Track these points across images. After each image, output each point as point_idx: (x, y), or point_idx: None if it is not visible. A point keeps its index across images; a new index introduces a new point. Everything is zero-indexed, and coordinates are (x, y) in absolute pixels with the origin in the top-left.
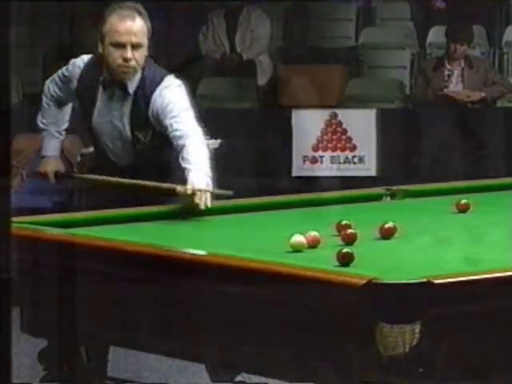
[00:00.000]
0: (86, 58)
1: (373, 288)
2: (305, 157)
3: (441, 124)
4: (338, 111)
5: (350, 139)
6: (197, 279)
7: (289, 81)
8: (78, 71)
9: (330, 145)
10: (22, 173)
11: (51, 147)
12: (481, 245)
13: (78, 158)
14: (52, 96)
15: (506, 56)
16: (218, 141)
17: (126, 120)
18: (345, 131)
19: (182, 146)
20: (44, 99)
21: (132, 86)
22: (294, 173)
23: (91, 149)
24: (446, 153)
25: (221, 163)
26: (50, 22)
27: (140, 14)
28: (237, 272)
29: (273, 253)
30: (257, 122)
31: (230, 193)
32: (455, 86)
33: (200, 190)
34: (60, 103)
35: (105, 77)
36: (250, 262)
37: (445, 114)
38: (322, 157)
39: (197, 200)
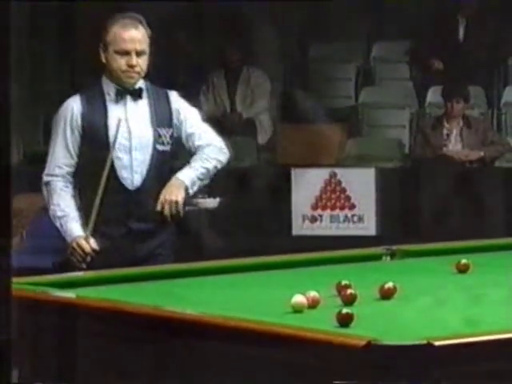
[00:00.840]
0: (74, 97)
1: (373, 349)
2: (304, 216)
3: (440, 183)
4: (337, 170)
5: (349, 198)
6: (196, 340)
7: (288, 140)
8: (76, 107)
9: (329, 204)
10: (23, 232)
11: (77, 226)
12: (481, 306)
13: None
14: (67, 171)
15: (504, 116)
16: (218, 199)
17: (147, 118)
18: (344, 190)
19: (199, 149)
20: (58, 185)
21: (143, 88)
22: (294, 232)
23: None
24: (446, 212)
25: (220, 222)
26: (51, 83)
27: (141, 22)
28: (236, 333)
29: (273, 313)
30: (257, 181)
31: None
32: (454, 146)
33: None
34: (73, 175)
35: (115, 87)
36: (249, 323)
37: (444, 174)
38: (321, 216)
39: (165, 212)
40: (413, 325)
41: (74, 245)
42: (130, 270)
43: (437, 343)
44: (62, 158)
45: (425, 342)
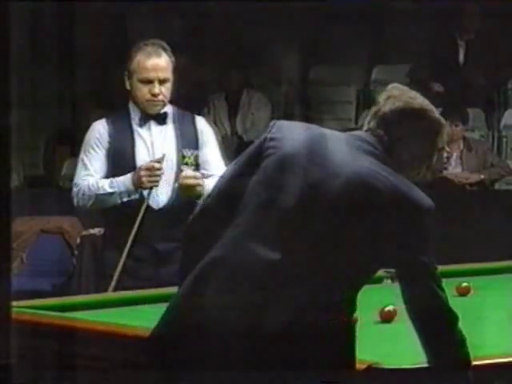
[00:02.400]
0: (101, 120)
1: (373, 373)
2: None
3: (440, 206)
4: None
5: None
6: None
7: None
8: (102, 130)
9: None
10: (22, 256)
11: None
12: (482, 329)
13: (78, 240)
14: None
15: (504, 139)
16: None
17: (172, 141)
18: None
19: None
20: (83, 183)
21: (169, 113)
22: None
23: (91, 231)
24: (445, 235)
25: None
26: (51, 105)
27: (164, 50)
28: None
29: None
30: None
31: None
32: (454, 169)
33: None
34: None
35: (140, 113)
36: None
37: (444, 196)
38: None
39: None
40: (413, 348)
41: (143, 171)
42: (130, 294)
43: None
44: (83, 174)
45: (425, 365)
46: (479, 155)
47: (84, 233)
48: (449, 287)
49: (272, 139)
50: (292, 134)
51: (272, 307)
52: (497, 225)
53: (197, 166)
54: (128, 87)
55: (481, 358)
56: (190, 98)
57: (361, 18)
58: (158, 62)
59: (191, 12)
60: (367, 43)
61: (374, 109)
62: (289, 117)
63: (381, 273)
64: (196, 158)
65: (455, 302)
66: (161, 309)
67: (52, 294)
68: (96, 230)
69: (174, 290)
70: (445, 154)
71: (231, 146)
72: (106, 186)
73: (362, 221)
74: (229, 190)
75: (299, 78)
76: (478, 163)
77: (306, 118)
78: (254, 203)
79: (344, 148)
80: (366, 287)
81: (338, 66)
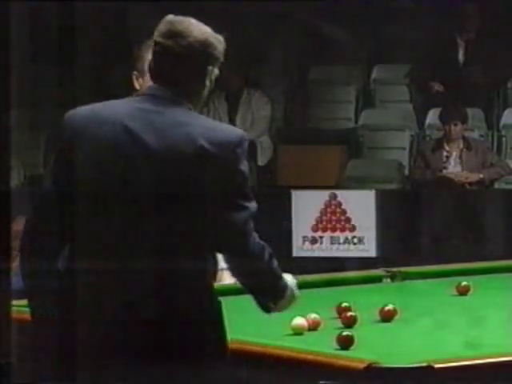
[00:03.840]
0: None
1: (373, 372)
2: (304, 237)
3: (439, 205)
4: (337, 192)
5: (349, 220)
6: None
7: (289, 161)
8: None
9: (329, 225)
10: None
11: None
12: (481, 328)
13: None
14: None
15: (503, 138)
16: None
17: None
18: (344, 212)
19: None
20: None
21: None
22: (294, 253)
23: None
24: (446, 234)
25: None
26: (51, 104)
27: None
28: (237, 355)
29: (273, 335)
30: (256, 202)
31: None
32: (454, 168)
33: None
34: None
35: None
36: (249, 345)
37: (443, 196)
38: (321, 237)
39: None
40: (413, 347)
41: None
42: None
43: (437, 365)
44: None
45: (425, 364)
46: (479, 154)
47: None
48: (448, 286)
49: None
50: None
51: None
52: (496, 224)
53: None
54: (137, 87)
55: (480, 357)
56: None
57: (361, 18)
58: None
59: (191, 12)
60: (367, 43)
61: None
62: (288, 116)
63: (381, 272)
64: None
65: (455, 301)
66: None
67: None
68: None
69: None
70: (444, 154)
71: None
72: None
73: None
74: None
75: (299, 77)
76: (478, 162)
77: (306, 118)
78: None
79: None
80: (365, 286)
81: (337, 66)
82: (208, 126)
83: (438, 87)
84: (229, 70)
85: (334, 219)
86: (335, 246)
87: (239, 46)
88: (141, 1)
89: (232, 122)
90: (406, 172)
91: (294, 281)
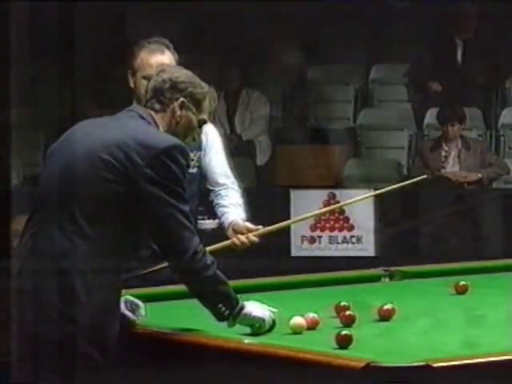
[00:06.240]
0: None
1: (371, 371)
2: (303, 237)
3: (438, 205)
4: (336, 191)
5: (347, 219)
6: (195, 362)
7: (287, 161)
8: None
9: (328, 225)
10: None
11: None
12: (480, 327)
13: None
14: None
15: (502, 138)
16: (216, 221)
17: None
18: (343, 211)
19: (221, 185)
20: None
21: None
22: (293, 253)
23: None
24: (444, 233)
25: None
26: (51, 104)
27: (167, 47)
28: (236, 354)
29: (272, 335)
30: (255, 202)
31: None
32: (452, 167)
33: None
34: None
35: None
36: (248, 345)
37: (442, 195)
38: (320, 237)
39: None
40: (411, 346)
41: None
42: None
43: (435, 365)
44: None
45: (423, 363)
46: (477, 154)
47: None
48: (447, 285)
49: None
50: None
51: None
52: (495, 223)
53: (197, 167)
54: (132, 85)
55: (478, 356)
56: None
57: (360, 18)
58: (161, 59)
59: (191, 12)
60: (366, 43)
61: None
62: (287, 116)
63: (379, 271)
64: (199, 158)
65: (453, 300)
66: (158, 307)
67: None
68: None
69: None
70: (443, 153)
71: (230, 145)
72: None
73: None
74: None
75: (298, 77)
76: (476, 162)
77: (305, 117)
78: None
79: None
80: (364, 286)
81: (336, 65)
82: (142, 132)
83: (436, 87)
84: (228, 70)
85: (332, 218)
86: (334, 246)
87: (238, 46)
88: (141, 1)
89: (231, 121)
90: (405, 171)
91: (267, 312)
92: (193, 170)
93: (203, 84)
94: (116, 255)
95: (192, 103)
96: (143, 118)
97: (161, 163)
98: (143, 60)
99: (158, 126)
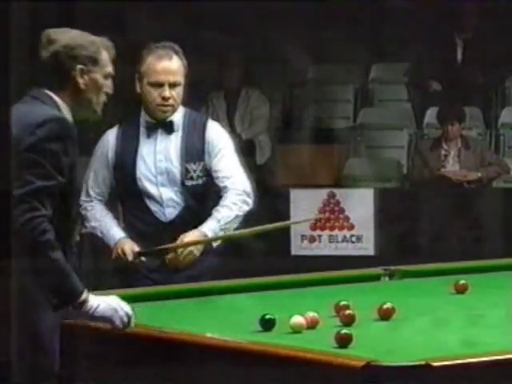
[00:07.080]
0: (113, 128)
1: (371, 370)
2: (303, 236)
3: (438, 204)
4: (335, 190)
5: (347, 218)
6: (194, 362)
7: (287, 161)
8: (111, 140)
9: (327, 224)
10: None
11: (117, 231)
12: (479, 327)
13: (78, 238)
14: (99, 199)
15: (502, 137)
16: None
17: (176, 154)
18: (343, 210)
19: (224, 191)
20: (90, 204)
21: (177, 121)
22: (293, 252)
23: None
24: (444, 233)
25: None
26: None
27: (176, 52)
28: (235, 354)
29: (272, 334)
30: (255, 201)
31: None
32: (452, 167)
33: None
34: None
35: (147, 121)
36: (248, 344)
37: (442, 194)
38: (320, 236)
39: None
40: (411, 345)
41: (119, 249)
42: (121, 292)
43: (435, 364)
44: (92, 188)
45: (423, 362)
46: (477, 153)
47: (83, 231)
48: (447, 285)
49: None
50: None
51: None
52: (495, 222)
53: (203, 178)
54: (138, 90)
55: (478, 355)
56: (189, 97)
57: (360, 18)
58: (168, 65)
59: (191, 11)
60: (366, 42)
61: None
62: (287, 115)
63: (379, 270)
64: (203, 168)
65: (453, 300)
66: (157, 307)
67: None
68: None
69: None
70: (442, 152)
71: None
72: (99, 233)
73: None
74: None
75: (298, 76)
76: (476, 161)
77: (304, 117)
78: None
79: None
80: (364, 285)
81: (336, 65)
82: (29, 111)
83: (436, 86)
84: (227, 70)
85: (332, 218)
86: (333, 245)
87: (239, 46)
88: (140, 1)
89: (230, 121)
90: (404, 171)
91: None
92: (196, 182)
93: (92, 38)
94: None
95: (91, 64)
96: (36, 98)
97: (36, 136)
98: (150, 65)
99: (56, 103)
